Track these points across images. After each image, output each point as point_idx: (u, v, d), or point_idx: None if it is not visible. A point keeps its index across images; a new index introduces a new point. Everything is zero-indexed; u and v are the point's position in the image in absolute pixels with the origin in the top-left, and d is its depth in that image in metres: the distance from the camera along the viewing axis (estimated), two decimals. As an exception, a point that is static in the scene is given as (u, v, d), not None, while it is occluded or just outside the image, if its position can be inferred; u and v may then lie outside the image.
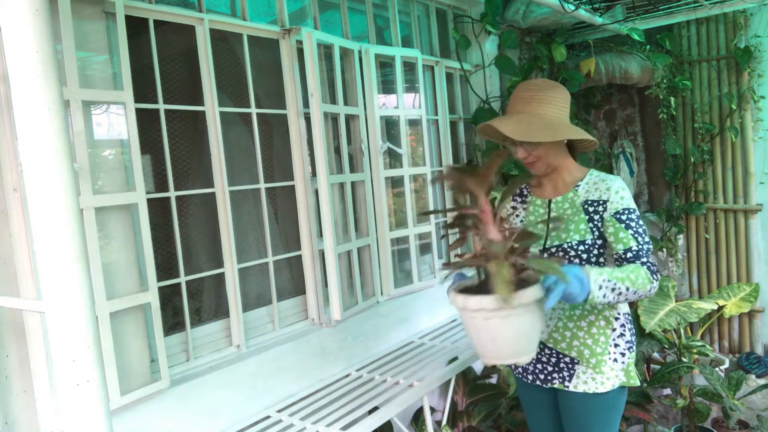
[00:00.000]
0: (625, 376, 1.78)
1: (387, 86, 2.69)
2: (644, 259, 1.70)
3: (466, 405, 2.71)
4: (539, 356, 1.85)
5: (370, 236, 2.44)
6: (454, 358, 2.26)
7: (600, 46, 3.84)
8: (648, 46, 3.87)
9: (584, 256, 1.75)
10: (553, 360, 1.82)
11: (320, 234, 2.26)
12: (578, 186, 1.81)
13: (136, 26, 1.77)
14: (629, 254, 1.72)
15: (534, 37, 3.56)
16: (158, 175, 1.94)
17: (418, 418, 2.52)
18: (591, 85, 3.85)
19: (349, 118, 2.40)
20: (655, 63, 3.84)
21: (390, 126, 2.67)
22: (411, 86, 2.78)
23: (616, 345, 1.78)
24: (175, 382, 1.77)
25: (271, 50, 2.23)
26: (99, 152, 1.63)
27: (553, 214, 1.83)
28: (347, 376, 2.24)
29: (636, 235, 1.73)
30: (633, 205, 1.76)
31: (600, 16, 3.29)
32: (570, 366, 1.80)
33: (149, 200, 1.70)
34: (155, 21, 1.82)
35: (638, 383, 1.80)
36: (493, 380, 2.99)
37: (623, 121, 4.46)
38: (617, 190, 1.75)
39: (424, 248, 2.88)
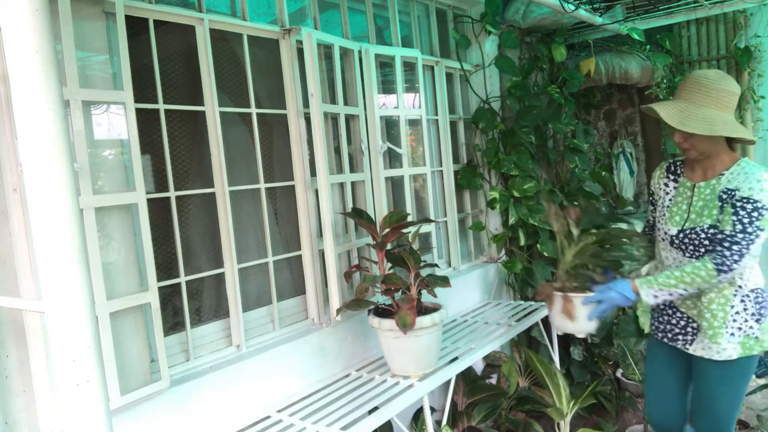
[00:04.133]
0: (742, 348, 1.92)
1: (387, 86, 2.69)
2: (721, 249, 1.84)
3: (466, 405, 2.71)
4: (669, 318, 2.07)
5: (370, 236, 2.44)
6: (455, 358, 2.26)
7: (600, 46, 3.84)
8: (648, 46, 3.87)
9: (714, 239, 1.90)
10: (682, 323, 2.04)
11: (320, 234, 2.26)
12: (723, 174, 1.94)
13: (136, 26, 1.76)
14: (719, 236, 1.87)
15: (534, 37, 3.56)
16: (158, 175, 1.94)
17: (418, 418, 2.52)
18: (591, 85, 3.85)
19: (349, 118, 2.40)
20: (655, 63, 3.84)
21: (390, 126, 2.67)
22: (411, 86, 2.78)
23: (734, 320, 1.93)
24: (175, 382, 1.77)
25: (271, 50, 2.23)
26: (99, 152, 1.63)
27: (695, 198, 1.99)
28: (347, 376, 2.24)
29: (737, 223, 1.84)
30: (761, 199, 1.82)
31: (600, 16, 3.29)
32: (694, 331, 2.00)
33: (149, 200, 1.70)
34: (155, 21, 1.82)
35: (756, 353, 1.94)
36: (493, 380, 2.99)
37: (623, 121, 4.46)
38: (751, 180, 1.85)
39: (424, 248, 2.87)
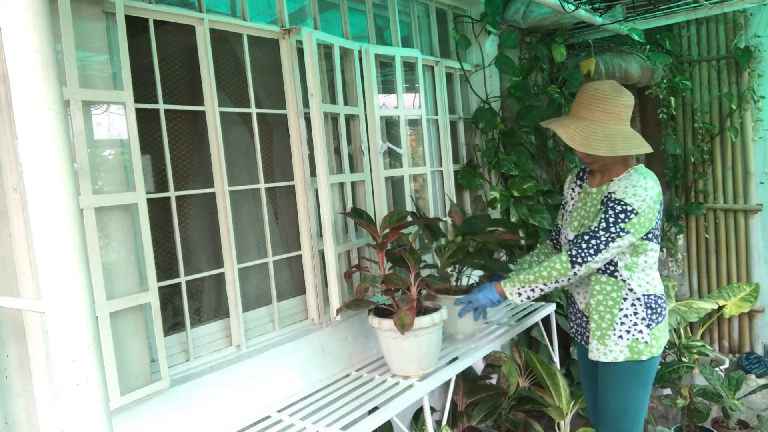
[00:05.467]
0: (630, 351, 1.94)
1: (387, 86, 2.69)
2: (580, 242, 1.89)
3: (466, 405, 2.72)
4: (579, 319, 2.12)
5: (371, 236, 2.44)
6: (455, 358, 2.26)
7: (600, 46, 3.84)
8: (648, 46, 3.87)
9: None
10: (585, 324, 2.08)
11: (320, 234, 2.26)
12: (613, 180, 1.98)
13: (136, 26, 1.76)
14: (584, 230, 1.95)
15: (534, 37, 3.56)
16: (158, 175, 1.94)
17: (418, 418, 2.52)
18: (591, 85, 3.84)
19: (349, 118, 2.40)
20: (655, 63, 3.84)
21: (390, 126, 2.67)
22: (411, 86, 2.78)
23: (621, 323, 1.95)
24: (175, 382, 1.77)
25: (271, 50, 2.23)
26: (99, 152, 1.63)
27: (590, 204, 2.03)
28: (347, 376, 2.24)
29: (602, 221, 1.88)
30: (633, 203, 1.85)
31: (600, 16, 3.29)
32: (589, 332, 2.04)
33: (149, 200, 1.70)
34: (155, 21, 1.82)
35: (645, 359, 1.94)
36: (493, 380, 2.99)
37: (623, 121, 4.45)
38: (628, 185, 1.88)
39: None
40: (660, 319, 1.97)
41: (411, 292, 2.06)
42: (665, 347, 3.29)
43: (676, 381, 3.16)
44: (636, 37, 3.45)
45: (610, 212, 1.86)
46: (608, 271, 1.96)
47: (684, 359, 3.26)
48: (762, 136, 3.96)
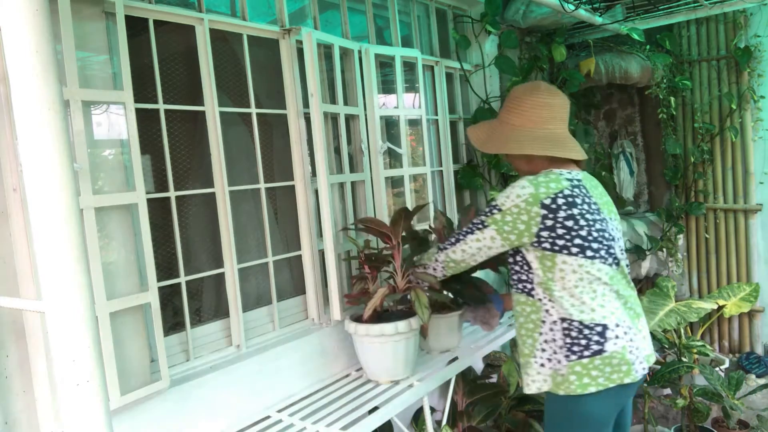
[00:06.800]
0: (552, 382, 1.70)
1: (387, 86, 2.69)
2: (451, 236, 1.90)
3: (466, 405, 2.71)
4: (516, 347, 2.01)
5: (371, 236, 2.44)
6: (455, 358, 2.26)
7: (600, 46, 3.84)
8: (648, 46, 3.87)
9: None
10: None
11: (320, 234, 2.26)
12: None
13: (136, 26, 1.76)
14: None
15: (534, 37, 3.56)
16: (158, 175, 1.94)
17: (418, 418, 2.52)
18: (591, 85, 3.85)
19: (349, 118, 2.40)
20: (655, 63, 3.84)
21: (390, 126, 2.67)
22: (411, 86, 2.78)
23: (543, 350, 1.73)
24: (175, 382, 1.77)
25: (271, 50, 2.23)
26: (99, 152, 1.63)
27: None
28: (347, 375, 2.24)
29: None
30: (498, 199, 1.77)
31: (600, 16, 3.29)
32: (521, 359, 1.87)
33: (149, 200, 1.70)
34: (155, 21, 1.82)
35: (562, 394, 1.68)
36: (494, 380, 2.99)
37: (623, 121, 4.46)
38: (508, 186, 1.81)
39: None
40: (586, 353, 1.66)
41: (397, 283, 2.05)
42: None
43: (676, 381, 3.16)
44: (636, 37, 3.44)
45: (479, 214, 1.84)
46: (525, 290, 1.77)
47: (684, 359, 3.26)
48: (762, 136, 3.96)
